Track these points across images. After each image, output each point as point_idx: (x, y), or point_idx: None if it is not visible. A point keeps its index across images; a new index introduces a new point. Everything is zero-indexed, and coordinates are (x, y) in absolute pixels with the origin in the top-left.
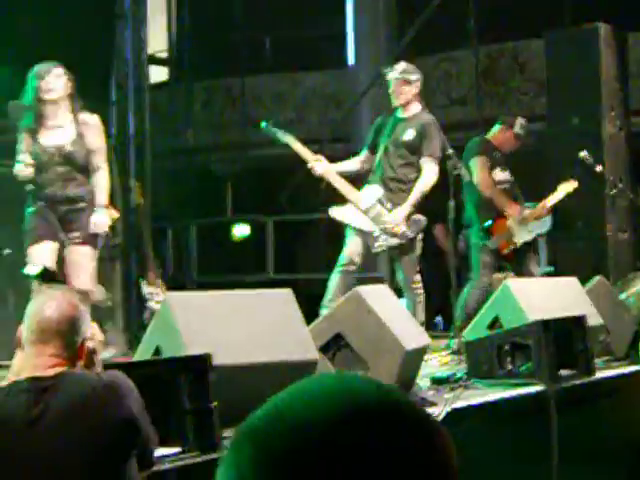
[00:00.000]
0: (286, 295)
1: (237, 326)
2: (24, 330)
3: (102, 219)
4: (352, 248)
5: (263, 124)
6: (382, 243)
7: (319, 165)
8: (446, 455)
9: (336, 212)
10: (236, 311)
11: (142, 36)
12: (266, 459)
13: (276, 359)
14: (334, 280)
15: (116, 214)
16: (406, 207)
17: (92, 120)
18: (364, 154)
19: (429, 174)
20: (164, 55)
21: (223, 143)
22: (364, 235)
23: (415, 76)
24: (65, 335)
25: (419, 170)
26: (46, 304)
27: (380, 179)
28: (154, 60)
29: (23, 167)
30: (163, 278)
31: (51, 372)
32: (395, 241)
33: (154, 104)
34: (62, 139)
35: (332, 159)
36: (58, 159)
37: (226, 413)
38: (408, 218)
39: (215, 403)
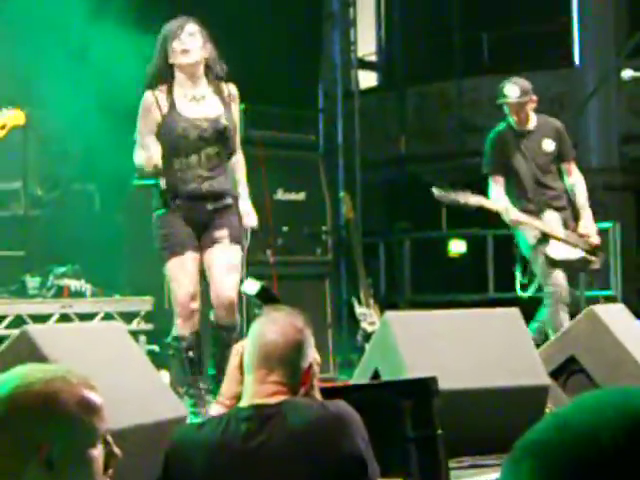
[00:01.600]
0: (513, 315)
1: (461, 348)
2: (245, 354)
3: (251, 209)
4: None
5: (435, 191)
6: (599, 262)
7: (513, 215)
8: None
9: (555, 252)
10: (460, 332)
11: (352, 38)
12: (550, 471)
13: (504, 384)
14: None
15: None
16: (591, 219)
17: (235, 90)
18: (498, 179)
19: (581, 177)
20: (373, 59)
21: (438, 151)
22: (569, 264)
23: (531, 90)
24: (291, 362)
25: (561, 176)
26: (269, 328)
27: (542, 203)
28: (362, 64)
29: (153, 152)
30: (375, 297)
31: (273, 400)
32: (604, 257)
33: (363, 111)
34: (212, 110)
35: None
36: (210, 136)
37: (451, 442)
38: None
39: (440, 431)
